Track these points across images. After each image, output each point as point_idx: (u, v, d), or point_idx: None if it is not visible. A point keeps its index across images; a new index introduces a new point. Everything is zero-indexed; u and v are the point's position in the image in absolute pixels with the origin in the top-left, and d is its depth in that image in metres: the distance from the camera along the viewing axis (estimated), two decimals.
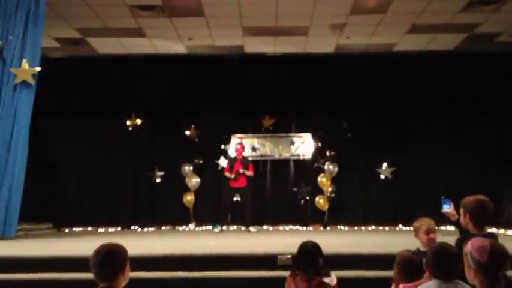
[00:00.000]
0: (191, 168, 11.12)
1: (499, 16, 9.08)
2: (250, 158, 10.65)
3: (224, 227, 10.16)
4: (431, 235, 4.22)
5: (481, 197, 3.53)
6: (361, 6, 8.72)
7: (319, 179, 11.10)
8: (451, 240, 3.15)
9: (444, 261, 2.75)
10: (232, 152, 10.90)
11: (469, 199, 3.53)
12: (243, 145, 10.32)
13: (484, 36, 10.05)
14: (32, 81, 7.70)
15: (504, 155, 10.24)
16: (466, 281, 2.57)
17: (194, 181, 11.10)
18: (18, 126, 7.64)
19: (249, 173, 9.92)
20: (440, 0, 8.39)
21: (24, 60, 7.69)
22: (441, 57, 10.83)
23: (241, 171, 9.79)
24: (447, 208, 4.28)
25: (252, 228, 9.75)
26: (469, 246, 2.42)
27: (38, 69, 7.77)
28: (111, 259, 2.68)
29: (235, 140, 11.18)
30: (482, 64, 10.60)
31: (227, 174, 9.92)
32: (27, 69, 7.69)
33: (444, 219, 4.60)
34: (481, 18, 9.26)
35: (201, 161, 11.23)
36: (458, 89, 10.74)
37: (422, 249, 4.11)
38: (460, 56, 10.80)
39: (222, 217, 10.12)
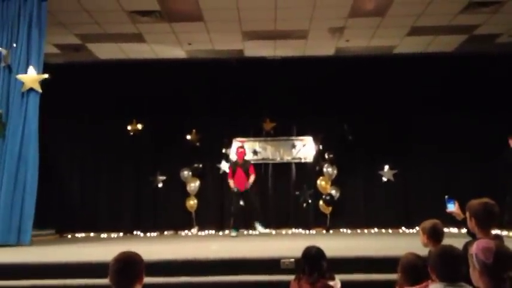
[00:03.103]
0: (190, 173, 11.11)
1: (499, 17, 9.08)
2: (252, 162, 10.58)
3: (227, 231, 10.14)
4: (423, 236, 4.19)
5: (486, 200, 3.52)
6: (360, 9, 8.72)
7: (318, 182, 11.09)
8: (454, 242, 3.14)
9: (449, 264, 2.75)
10: (233, 156, 10.86)
11: (474, 202, 3.53)
12: (245, 149, 10.25)
13: (484, 37, 10.05)
14: (39, 88, 7.73)
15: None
16: (470, 283, 2.56)
17: (192, 185, 11.09)
18: (28, 133, 7.67)
19: (252, 179, 9.78)
20: (439, 2, 8.40)
21: (30, 67, 7.71)
22: (441, 59, 10.84)
23: (250, 184, 9.72)
24: (452, 208, 4.26)
25: (260, 228, 9.64)
26: (474, 248, 2.41)
27: (45, 76, 7.80)
28: (130, 267, 2.75)
29: (236, 143, 11.18)
30: (483, 65, 10.59)
31: (231, 182, 9.78)
32: (34, 77, 7.71)
33: (448, 221, 4.59)
34: (480, 20, 9.27)
35: (200, 165, 11.21)
36: (458, 90, 10.73)
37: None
38: (460, 58, 10.80)
39: (235, 221, 9.93)
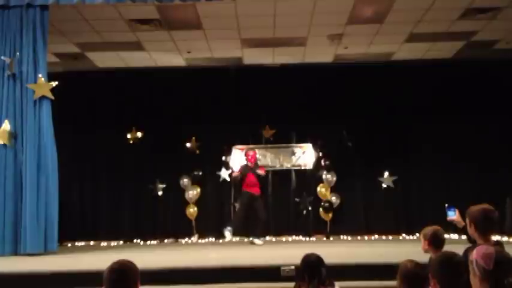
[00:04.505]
0: (190, 180, 11.10)
1: (496, 23, 9.11)
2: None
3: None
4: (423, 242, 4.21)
5: (485, 206, 3.54)
6: (358, 16, 8.75)
7: (318, 189, 11.10)
8: (455, 249, 3.14)
9: (450, 270, 2.74)
10: (235, 161, 10.84)
11: (474, 209, 3.55)
12: (256, 152, 9.95)
13: (482, 43, 10.08)
14: (51, 96, 7.77)
15: (505, 163, 10.23)
16: None
17: (191, 193, 11.07)
18: (44, 140, 7.70)
19: (261, 172, 9.57)
20: (437, 9, 8.42)
21: (40, 75, 7.74)
22: (440, 65, 10.85)
23: (261, 172, 9.52)
24: (452, 216, 4.28)
25: (257, 241, 9.32)
26: (474, 254, 2.41)
27: (55, 83, 7.83)
28: (125, 277, 2.72)
29: (236, 151, 11.17)
30: (481, 71, 10.61)
31: (235, 173, 9.60)
32: (44, 84, 7.74)
33: (449, 228, 4.59)
34: (478, 26, 9.29)
35: (200, 173, 11.20)
36: (457, 96, 10.75)
37: None
38: (459, 64, 10.81)
39: (235, 226, 9.61)
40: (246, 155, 9.88)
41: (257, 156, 10.11)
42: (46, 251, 7.45)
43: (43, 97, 7.75)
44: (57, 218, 7.70)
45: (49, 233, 7.57)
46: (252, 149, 10.18)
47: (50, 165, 7.70)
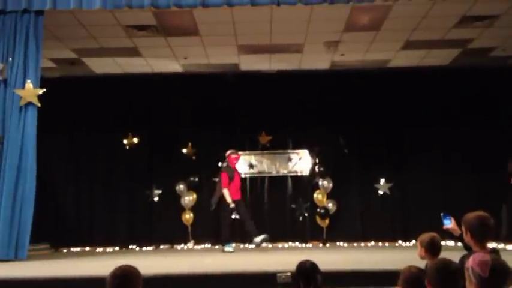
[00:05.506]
0: (186, 186, 11.08)
1: (492, 31, 9.15)
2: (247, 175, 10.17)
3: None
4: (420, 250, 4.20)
5: (481, 213, 3.53)
6: (355, 23, 8.78)
7: (315, 195, 11.10)
8: (451, 256, 3.14)
9: (446, 277, 2.74)
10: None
11: (469, 216, 3.54)
12: (238, 155, 9.60)
13: (478, 51, 10.12)
14: (37, 102, 7.70)
15: (501, 170, 10.24)
16: None
17: (187, 199, 11.04)
18: (26, 148, 7.61)
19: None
20: (433, 16, 8.45)
21: (28, 81, 7.68)
22: (436, 73, 10.89)
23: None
24: (448, 224, 4.28)
25: (253, 245, 9.20)
26: (470, 261, 2.41)
27: (42, 90, 7.77)
28: (127, 282, 2.73)
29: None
30: (477, 78, 10.66)
31: (226, 193, 8.96)
32: (32, 91, 7.68)
33: (446, 234, 4.59)
34: (474, 34, 9.33)
35: (196, 179, 11.19)
36: (453, 103, 10.79)
37: None
38: (455, 71, 10.86)
39: (226, 236, 9.32)
40: (228, 156, 9.36)
41: (238, 160, 9.69)
42: (16, 259, 7.28)
43: (29, 103, 7.66)
44: (30, 226, 7.53)
45: (21, 239, 7.43)
46: (235, 152, 9.54)
47: (29, 173, 7.58)
